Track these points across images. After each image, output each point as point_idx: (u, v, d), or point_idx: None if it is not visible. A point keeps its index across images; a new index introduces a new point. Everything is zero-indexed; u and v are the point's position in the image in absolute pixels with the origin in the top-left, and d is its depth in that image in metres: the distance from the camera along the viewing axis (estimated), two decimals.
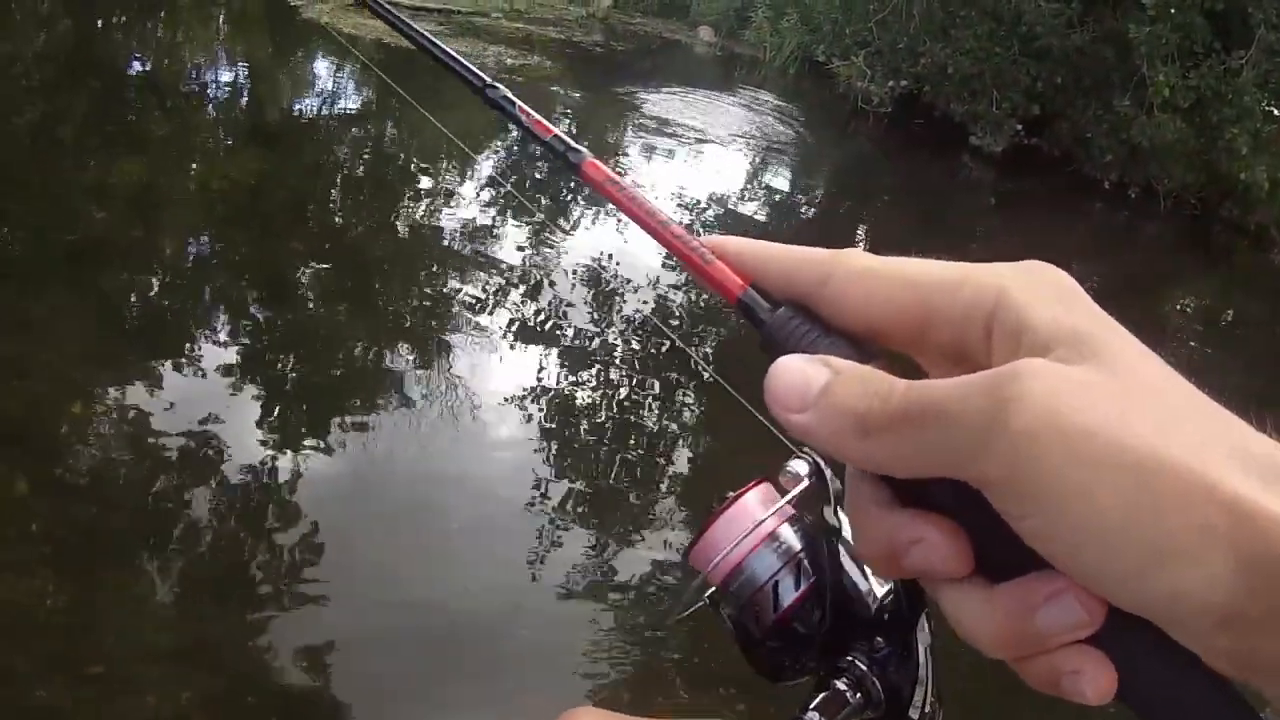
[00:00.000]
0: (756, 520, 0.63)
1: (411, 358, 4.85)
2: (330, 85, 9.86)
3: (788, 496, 0.63)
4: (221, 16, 11.04)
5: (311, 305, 5.29)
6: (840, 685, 0.63)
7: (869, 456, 0.44)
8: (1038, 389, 0.40)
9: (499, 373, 4.85)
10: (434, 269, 5.95)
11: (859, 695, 0.63)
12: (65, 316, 4.53)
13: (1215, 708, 0.41)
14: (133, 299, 5.00)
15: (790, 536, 0.64)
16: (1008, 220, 11.16)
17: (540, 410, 4.64)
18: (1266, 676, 0.38)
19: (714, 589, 0.65)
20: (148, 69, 9.17)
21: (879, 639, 0.63)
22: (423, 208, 6.98)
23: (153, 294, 5.09)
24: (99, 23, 9.90)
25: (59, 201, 5.61)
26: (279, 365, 4.63)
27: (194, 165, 6.86)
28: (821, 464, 0.62)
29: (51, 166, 6.12)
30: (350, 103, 9.48)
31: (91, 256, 5.15)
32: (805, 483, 0.62)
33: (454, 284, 5.73)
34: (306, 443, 4.05)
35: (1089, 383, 0.40)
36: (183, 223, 5.88)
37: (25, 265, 4.93)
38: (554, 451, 4.42)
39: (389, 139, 8.81)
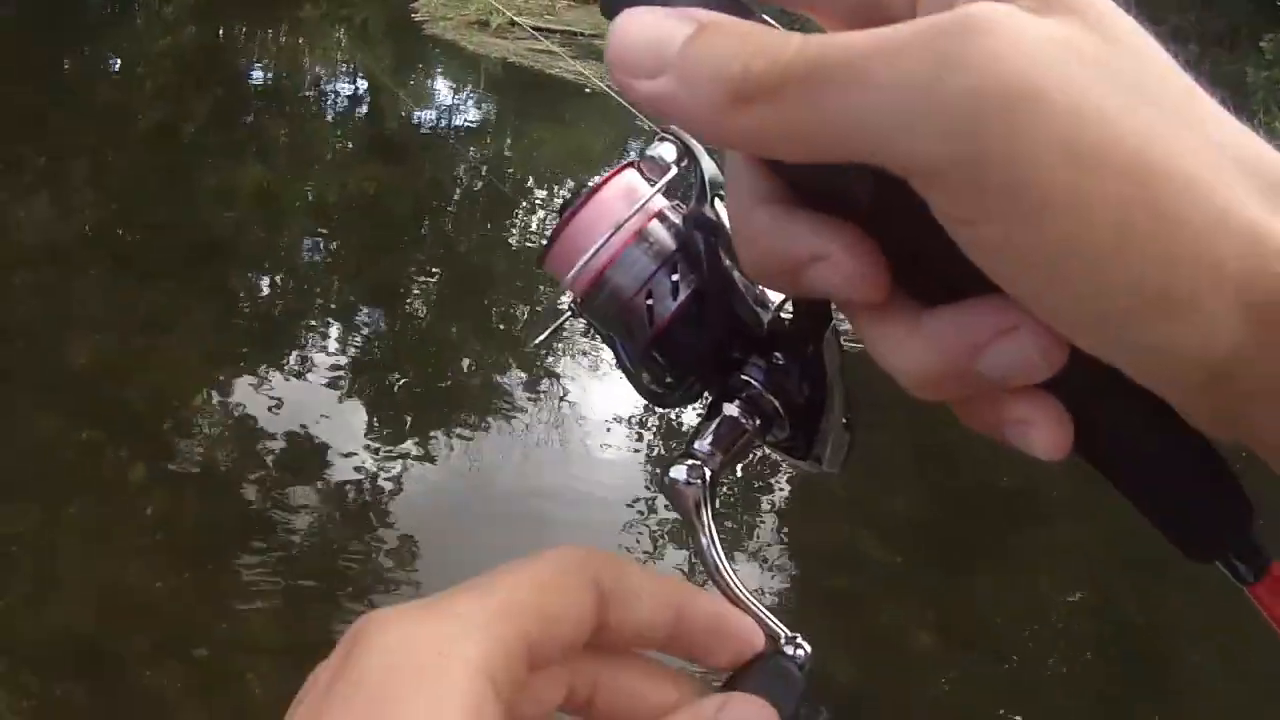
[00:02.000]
0: (621, 217, 0.49)
1: (520, 373, 4.89)
2: (450, 100, 10.01)
3: (657, 186, 0.49)
4: (344, 29, 11.27)
5: (423, 316, 5.38)
6: (732, 410, 0.50)
7: (751, 133, 0.32)
8: (1001, 42, 0.28)
9: (606, 391, 4.85)
10: (547, 287, 6.00)
11: (755, 420, 0.50)
12: (187, 313, 4.67)
13: (1189, 467, 0.35)
14: (251, 300, 5.14)
15: (662, 234, 0.50)
16: None
17: (647, 432, 4.64)
18: (1253, 436, 0.31)
19: (576, 300, 0.52)
20: (270, 78, 9.41)
21: (776, 355, 0.50)
22: (538, 224, 7.04)
23: (270, 296, 5.22)
24: (221, 31, 10.18)
25: (185, 202, 5.79)
26: (388, 373, 4.69)
27: (314, 173, 7.01)
28: (692, 144, 0.49)
29: (177, 168, 6.31)
30: (469, 117, 9.61)
31: (214, 257, 5.30)
32: (673, 171, 0.49)
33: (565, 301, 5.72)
34: (411, 449, 4.11)
35: (1071, 44, 0.29)
36: (302, 229, 6.02)
37: (150, 262, 5.09)
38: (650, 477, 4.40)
39: (508, 154, 8.91)
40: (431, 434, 4.23)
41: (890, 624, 3.84)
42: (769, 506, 4.42)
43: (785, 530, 4.33)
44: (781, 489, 4.54)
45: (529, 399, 4.62)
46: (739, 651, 0.42)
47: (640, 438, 4.59)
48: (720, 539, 0.47)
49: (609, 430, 4.55)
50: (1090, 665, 3.85)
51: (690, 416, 4.74)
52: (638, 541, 3.87)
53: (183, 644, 3.05)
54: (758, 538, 4.20)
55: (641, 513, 4.05)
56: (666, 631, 0.41)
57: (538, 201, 7.65)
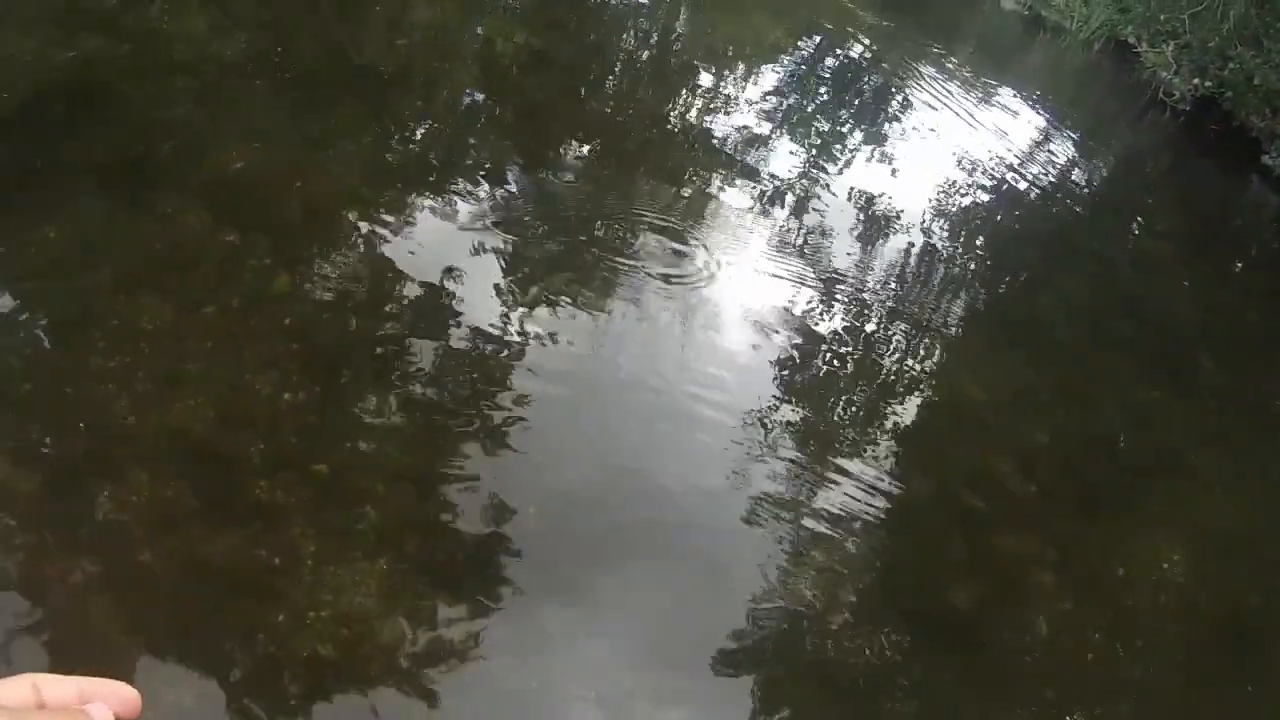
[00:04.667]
0: None
1: (657, 251, 4.76)
2: None
3: None
4: None
5: (570, 179, 5.26)
6: None
7: None
8: None
9: (741, 284, 4.72)
10: (698, 168, 5.84)
11: None
12: (345, 137, 4.63)
13: None
14: (407, 135, 5.08)
15: None
16: None
17: (781, 333, 4.50)
18: None
19: None
20: None
21: None
22: (699, 105, 6.85)
23: (427, 135, 5.15)
24: None
25: (355, 25, 5.73)
26: (525, 232, 4.60)
27: (485, 21, 6.90)
28: None
29: None
30: None
31: (379, 83, 5.25)
32: None
33: (715, 186, 5.61)
34: (538, 310, 4.03)
35: None
36: (466, 75, 5.93)
37: (314, 81, 5.05)
38: (783, 377, 4.29)
39: (680, 31, 8.68)
40: (558, 300, 4.14)
41: (1012, 554, 3.74)
42: (911, 420, 4.30)
43: (927, 444, 4.21)
44: (928, 406, 4.42)
45: (661, 281, 4.50)
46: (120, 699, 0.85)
47: (769, 338, 4.46)
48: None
49: (740, 326, 4.43)
50: (1196, 636, 3.72)
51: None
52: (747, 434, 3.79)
53: (302, 458, 3.05)
54: (897, 447, 4.09)
55: (756, 411, 3.97)
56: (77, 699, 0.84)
57: (700, 85, 7.45)
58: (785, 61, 8.45)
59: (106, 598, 2.54)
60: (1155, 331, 5.41)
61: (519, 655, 2.77)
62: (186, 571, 2.67)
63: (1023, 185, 8.07)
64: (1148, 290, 5.95)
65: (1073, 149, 10.18)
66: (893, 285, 5.33)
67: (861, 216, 5.92)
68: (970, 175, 7.49)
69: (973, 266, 5.84)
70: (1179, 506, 4.27)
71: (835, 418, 4.19)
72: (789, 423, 3.96)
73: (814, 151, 6.66)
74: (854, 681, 3.11)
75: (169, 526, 2.74)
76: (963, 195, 6.82)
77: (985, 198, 6.92)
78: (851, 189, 6.21)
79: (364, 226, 4.07)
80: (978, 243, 6.19)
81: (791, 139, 6.72)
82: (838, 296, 4.96)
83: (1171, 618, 3.74)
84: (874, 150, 7.17)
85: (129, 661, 2.42)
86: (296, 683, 2.52)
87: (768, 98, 7.32)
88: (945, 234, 6.07)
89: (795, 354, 4.41)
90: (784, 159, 6.32)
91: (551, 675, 2.78)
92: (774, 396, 4.08)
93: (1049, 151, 9.57)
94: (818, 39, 9.33)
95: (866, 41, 10.18)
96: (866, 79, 8.77)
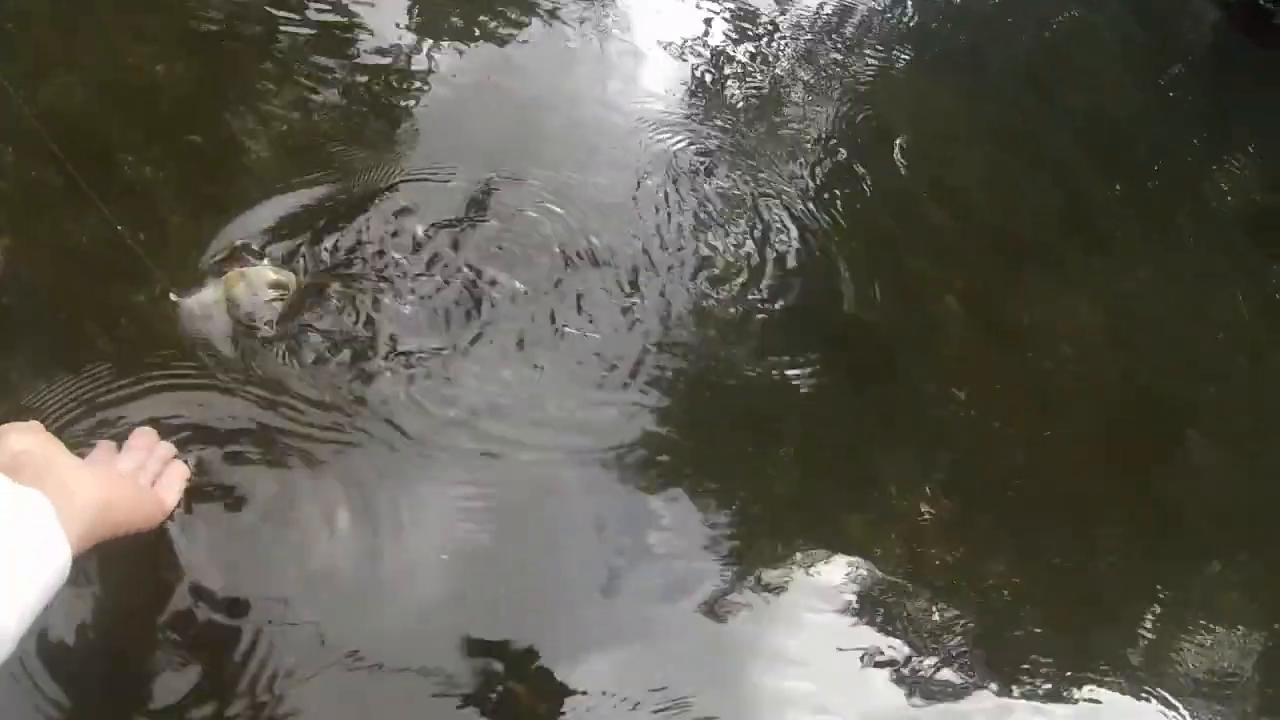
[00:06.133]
0: None
1: None
2: None
3: None
4: None
5: None
6: None
7: None
8: None
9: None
10: None
11: None
12: None
13: None
14: None
15: None
16: None
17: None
18: None
19: None
20: None
21: None
22: None
23: None
24: None
25: None
26: None
27: None
28: None
29: None
30: None
31: None
32: None
33: None
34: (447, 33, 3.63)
35: None
36: None
37: None
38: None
39: None
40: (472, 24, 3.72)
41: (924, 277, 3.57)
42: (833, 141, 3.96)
43: (848, 166, 3.88)
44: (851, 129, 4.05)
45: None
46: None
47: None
48: None
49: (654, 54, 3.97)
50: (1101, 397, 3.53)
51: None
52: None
53: (177, 130, 2.82)
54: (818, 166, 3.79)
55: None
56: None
57: None
58: None
59: None
60: (1096, 108, 4.91)
61: None
62: (56, 257, 2.50)
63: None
64: (1090, 64, 5.35)
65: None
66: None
67: None
68: None
69: None
70: (1099, 277, 3.97)
71: (756, 142, 3.80)
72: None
73: None
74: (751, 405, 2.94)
75: (35, 211, 2.55)
76: None
77: None
78: None
79: None
80: None
81: None
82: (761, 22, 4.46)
83: (1076, 378, 3.51)
84: None
85: None
86: (158, 367, 2.37)
87: None
88: None
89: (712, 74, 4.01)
90: None
91: None
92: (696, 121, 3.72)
93: None
94: None
95: None
96: None
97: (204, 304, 2.42)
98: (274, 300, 2.46)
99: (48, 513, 1.42)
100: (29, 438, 1.57)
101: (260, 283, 2.45)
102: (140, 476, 1.89)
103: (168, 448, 2.03)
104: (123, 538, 1.69)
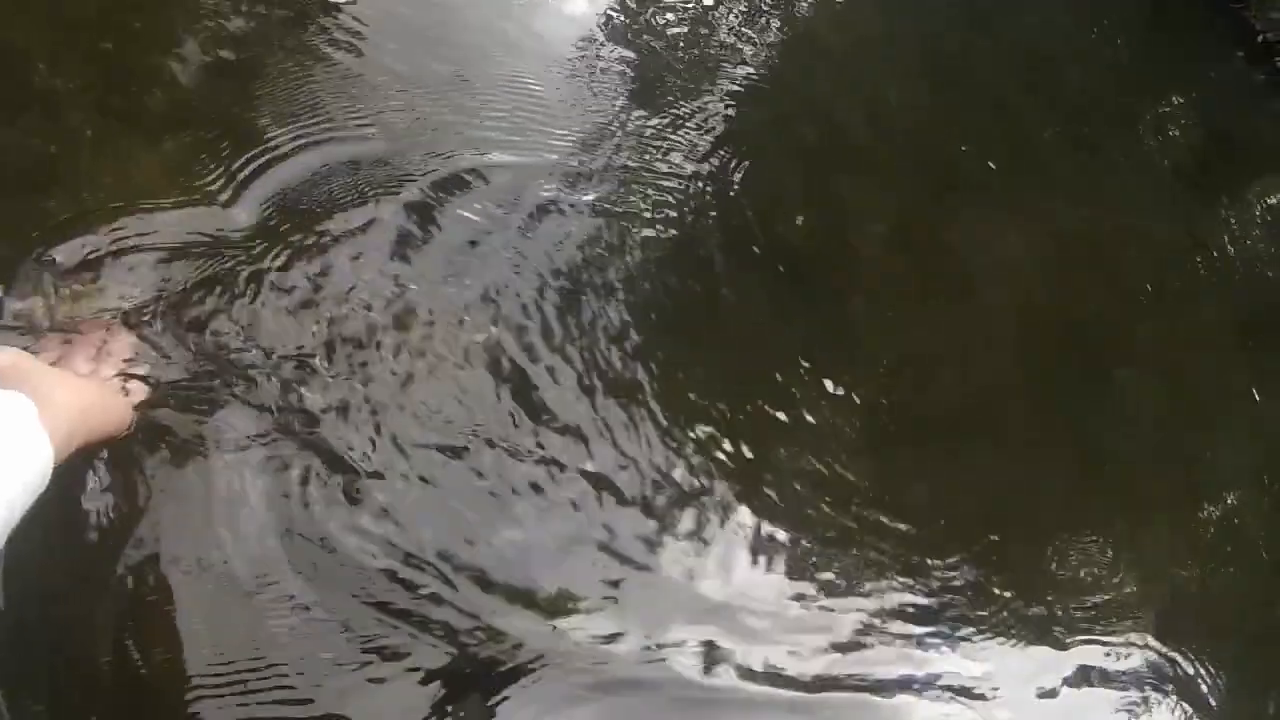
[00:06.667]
0: None
1: None
2: None
3: None
4: None
5: None
6: None
7: None
8: None
9: None
10: None
11: None
12: None
13: None
14: None
15: None
16: None
17: None
18: None
19: None
20: None
21: None
22: None
23: None
24: None
25: None
26: None
27: None
28: None
29: None
30: None
31: None
32: None
33: None
34: None
35: None
36: None
37: None
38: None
39: None
40: None
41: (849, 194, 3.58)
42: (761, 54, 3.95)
43: (775, 79, 3.87)
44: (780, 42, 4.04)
45: None
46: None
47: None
48: None
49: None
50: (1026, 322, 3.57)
51: None
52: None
53: (88, 37, 2.76)
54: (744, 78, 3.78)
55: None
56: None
57: None
58: None
59: None
60: (1035, 47, 4.92)
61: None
62: None
63: None
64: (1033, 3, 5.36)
65: None
66: None
67: None
68: None
69: None
70: (1029, 202, 3.98)
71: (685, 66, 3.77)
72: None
73: None
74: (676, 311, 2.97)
75: None
76: None
77: None
78: None
79: None
80: None
81: None
82: None
83: (1004, 308, 3.55)
84: None
85: None
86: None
87: None
88: None
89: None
90: None
91: None
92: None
93: None
94: None
95: None
96: None
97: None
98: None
99: (29, 412, 1.47)
100: (5, 355, 1.62)
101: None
102: (105, 382, 1.95)
103: (119, 344, 2.09)
104: (96, 443, 1.78)
